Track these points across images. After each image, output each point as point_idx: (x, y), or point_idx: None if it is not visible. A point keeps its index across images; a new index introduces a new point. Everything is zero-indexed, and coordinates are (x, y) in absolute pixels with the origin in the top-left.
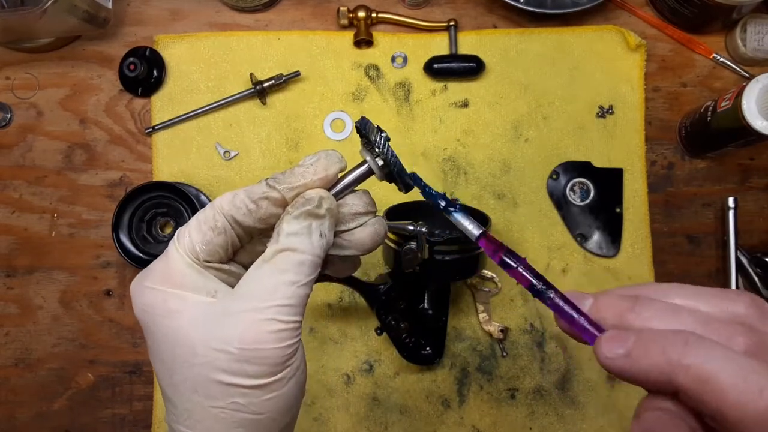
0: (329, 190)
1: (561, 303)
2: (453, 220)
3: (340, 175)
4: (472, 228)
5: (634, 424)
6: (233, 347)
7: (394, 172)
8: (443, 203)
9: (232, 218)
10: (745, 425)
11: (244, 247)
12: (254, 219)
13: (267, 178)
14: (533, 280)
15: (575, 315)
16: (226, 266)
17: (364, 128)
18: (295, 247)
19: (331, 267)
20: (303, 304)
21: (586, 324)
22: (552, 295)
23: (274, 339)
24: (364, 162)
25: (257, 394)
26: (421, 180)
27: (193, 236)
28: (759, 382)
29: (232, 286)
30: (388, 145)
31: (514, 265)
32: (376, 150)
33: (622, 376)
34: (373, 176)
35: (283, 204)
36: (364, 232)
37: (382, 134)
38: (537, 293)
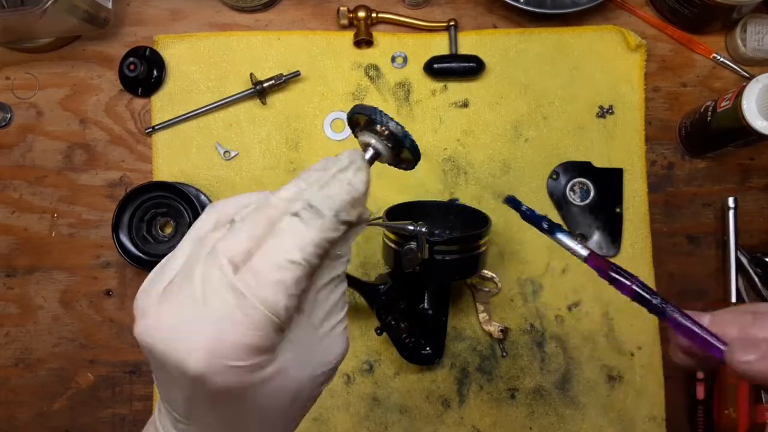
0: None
1: (682, 319)
2: (557, 241)
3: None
4: (578, 248)
5: None
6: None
7: (407, 144)
8: (546, 225)
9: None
10: None
11: None
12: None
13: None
14: (650, 297)
15: (697, 330)
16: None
17: (362, 111)
18: (321, 202)
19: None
20: (322, 251)
21: (709, 338)
22: (672, 311)
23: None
24: (368, 147)
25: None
26: (519, 202)
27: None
28: None
29: None
30: (390, 118)
31: (627, 283)
32: (378, 128)
33: (758, 378)
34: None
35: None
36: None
37: (381, 112)
38: (655, 310)
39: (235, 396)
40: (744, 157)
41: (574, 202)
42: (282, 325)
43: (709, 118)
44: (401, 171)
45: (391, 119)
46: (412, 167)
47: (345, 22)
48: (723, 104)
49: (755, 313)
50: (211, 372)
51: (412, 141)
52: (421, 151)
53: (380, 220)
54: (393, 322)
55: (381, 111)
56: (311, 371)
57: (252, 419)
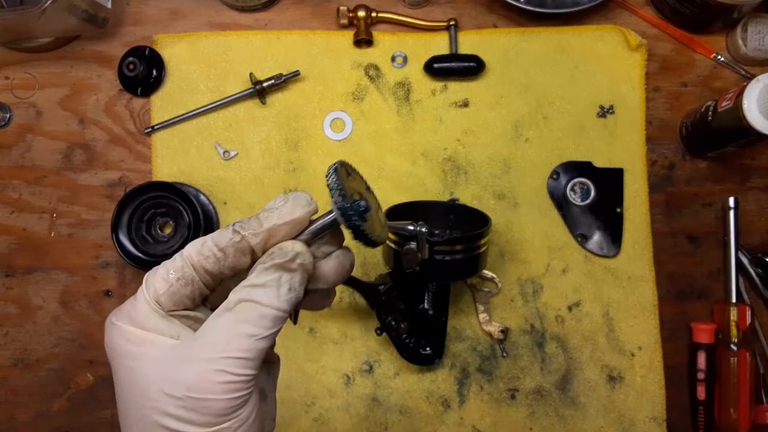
0: (298, 235)
1: None
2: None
3: (313, 217)
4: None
5: None
6: (182, 393)
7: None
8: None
9: (201, 267)
10: None
11: (215, 290)
12: (222, 267)
13: (234, 223)
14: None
15: None
16: (192, 313)
17: (336, 177)
18: (259, 299)
19: (302, 302)
20: (260, 357)
21: None
22: None
23: (222, 390)
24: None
25: None
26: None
27: (157, 285)
28: None
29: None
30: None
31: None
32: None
33: None
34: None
35: (250, 251)
36: (328, 264)
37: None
38: None
39: None
40: (745, 157)
41: (574, 202)
42: None
43: (709, 118)
44: (401, 171)
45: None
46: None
47: (345, 21)
48: (724, 104)
49: None
50: None
51: (353, 227)
52: (421, 151)
53: None
54: (393, 323)
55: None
56: None
57: None
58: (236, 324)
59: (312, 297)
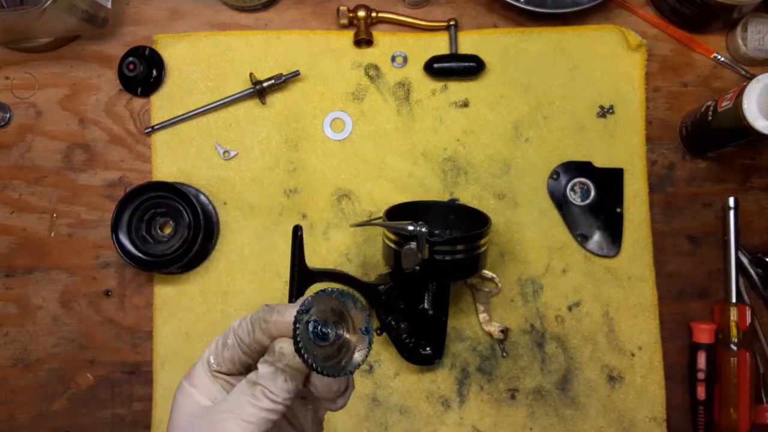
0: None
1: None
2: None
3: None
4: None
5: None
6: None
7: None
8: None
9: (239, 337)
10: None
11: (255, 363)
12: (251, 340)
13: (267, 306)
14: None
15: None
16: (232, 379)
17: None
18: (264, 383)
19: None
20: (262, 424)
21: None
22: None
23: None
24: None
25: None
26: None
27: (212, 347)
28: None
29: None
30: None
31: None
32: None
33: None
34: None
35: (270, 336)
36: (317, 377)
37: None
38: None
39: None
40: (745, 157)
41: (574, 202)
42: None
43: (709, 118)
44: (401, 171)
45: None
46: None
47: (345, 21)
48: (724, 104)
49: None
50: None
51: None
52: (421, 151)
53: (380, 221)
54: (393, 323)
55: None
56: None
57: None
58: (244, 395)
59: (318, 396)
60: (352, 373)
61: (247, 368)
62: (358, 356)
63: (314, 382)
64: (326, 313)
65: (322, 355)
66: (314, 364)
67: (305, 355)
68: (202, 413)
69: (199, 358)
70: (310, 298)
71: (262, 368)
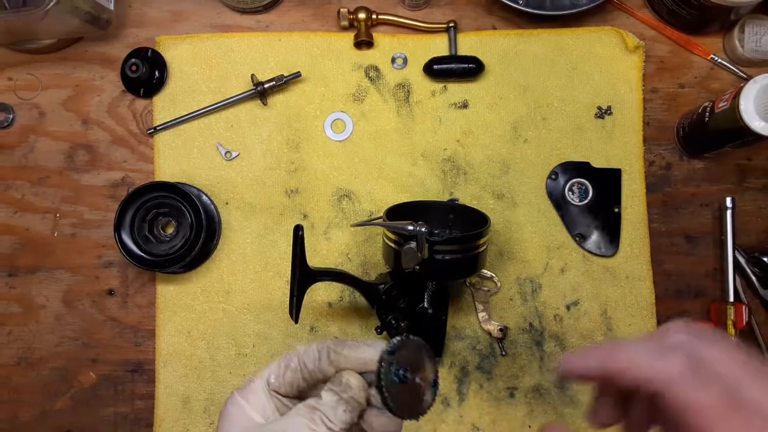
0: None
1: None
2: None
3: None
4: None
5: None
6: None
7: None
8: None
9: (302, 362)
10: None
11: (314, 388)
12: (316, 368)
13: (336, 340)
14: None
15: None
16: (288, 401)
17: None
18: (324, 410)
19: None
20: None
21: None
22: None
23: None
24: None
25: None
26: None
27: (272, 367)
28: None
29: None
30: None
31: None
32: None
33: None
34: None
35: (342, 368)
36: (374, 417)
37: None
38: None
39: None
40: (741, 157)
41: (572, 202)
42: None
43: (706, 119)
44: (401, 171)
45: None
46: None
47: (345, 23)
48: (721, 105)
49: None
50: None
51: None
52: (421, 151)
53: (380, 220)
54: (393, 322)
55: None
56: None
57: None
58: (303, 417)
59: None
60: (419, 418)
61: (300, 393)
62: (425, 404)
63: (369, 420)
64: (408, 360)
65: (397, 397)
66: (392, 404)
67: (385, 394)
68: (255, 429)
69: (257, 375)
70: (396, 341)
71: (326, 396)
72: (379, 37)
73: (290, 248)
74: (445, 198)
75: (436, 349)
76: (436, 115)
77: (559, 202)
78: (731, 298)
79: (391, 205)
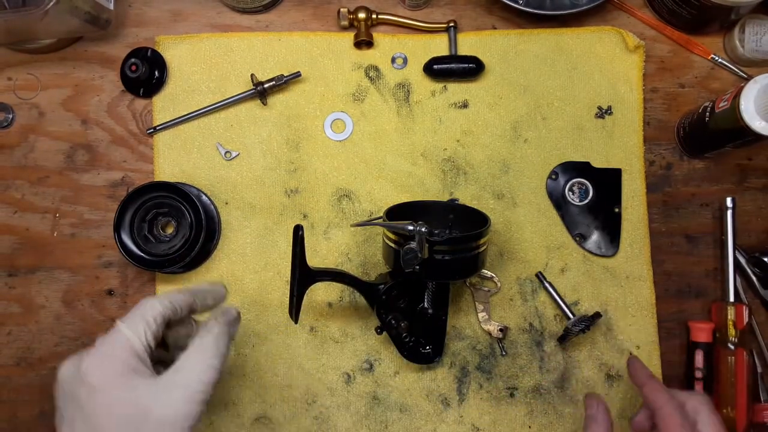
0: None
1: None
2: None
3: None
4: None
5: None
6: None
7: None
8: None
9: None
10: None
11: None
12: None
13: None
14: None
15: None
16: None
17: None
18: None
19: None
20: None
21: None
22: None
23: None
24: None
25: None
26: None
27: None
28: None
29: None
30: None
31: None
32: None
33: None
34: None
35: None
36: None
37: None
38: None
39: None
40: (742, 157)
41: (573, 202)
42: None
43: (707, 119)
44: (401, 171)
45: None
46: None
47: (345, 23)
48: (721, 105)
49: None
50: None
51: None
52: (420, 151)
53: (380, 220)
54: (393, 322)
55: None
56: None
57: None
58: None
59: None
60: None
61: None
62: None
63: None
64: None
65: None
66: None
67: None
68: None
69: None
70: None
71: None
72: (379, 36)
73: (290, 248)
74: (445, 198)
75: (436, 349)
76: (436, 114)
77: (559, 202)
78: (731, 298)
79: (391, 205)
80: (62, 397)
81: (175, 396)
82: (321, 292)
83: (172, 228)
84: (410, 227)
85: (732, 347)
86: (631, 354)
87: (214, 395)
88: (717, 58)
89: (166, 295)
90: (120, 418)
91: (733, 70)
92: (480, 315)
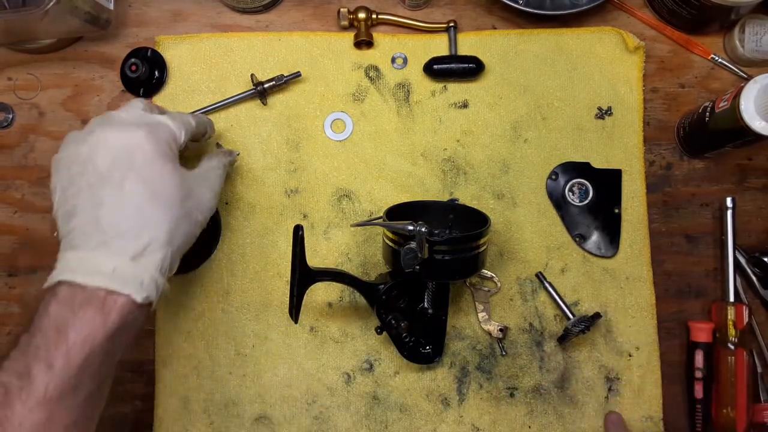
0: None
1: None
2: None
3: None
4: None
5: None
6: None
7: None
8: None
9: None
10: None
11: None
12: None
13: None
14: None
15: None
16: None
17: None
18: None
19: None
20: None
21: None
22: None
23: None
24: None
25: None
26: None
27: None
28: None
29: None
30: None
31: None
32: None
33: None
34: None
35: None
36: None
37: None
38: None
39: None
40: (742, 157)
41: (572, 202)
42: None
43: (707, 119)
44: (401, 171)
45: None
46: None
47: (345, 23)
48: (721, 105)
49: None
50: None
51: None
52: (420, 151)
53: (380, 220)
54: (393, 322)
55: None
56: None
57: None
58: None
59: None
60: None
61: None
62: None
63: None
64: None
65: None
66: None
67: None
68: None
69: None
70: None
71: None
72: (379, 36)
73: (290, 248)
74: (445, 198)
75: (436, 349)
76: (436, 114)
77: (559, 202)
78: (731, 298)
79: (391, 205)
80: (94, 159)
81: (204, 189)
82: (321, 292)
83: None
84: (410, 227)
85: (732, 347)
86: (611, 412)
87: (214, 395)
88: (717, 58)
89: (191, 116)
90: (174, 189)
91: (733, 70)
92: (480, 315)
